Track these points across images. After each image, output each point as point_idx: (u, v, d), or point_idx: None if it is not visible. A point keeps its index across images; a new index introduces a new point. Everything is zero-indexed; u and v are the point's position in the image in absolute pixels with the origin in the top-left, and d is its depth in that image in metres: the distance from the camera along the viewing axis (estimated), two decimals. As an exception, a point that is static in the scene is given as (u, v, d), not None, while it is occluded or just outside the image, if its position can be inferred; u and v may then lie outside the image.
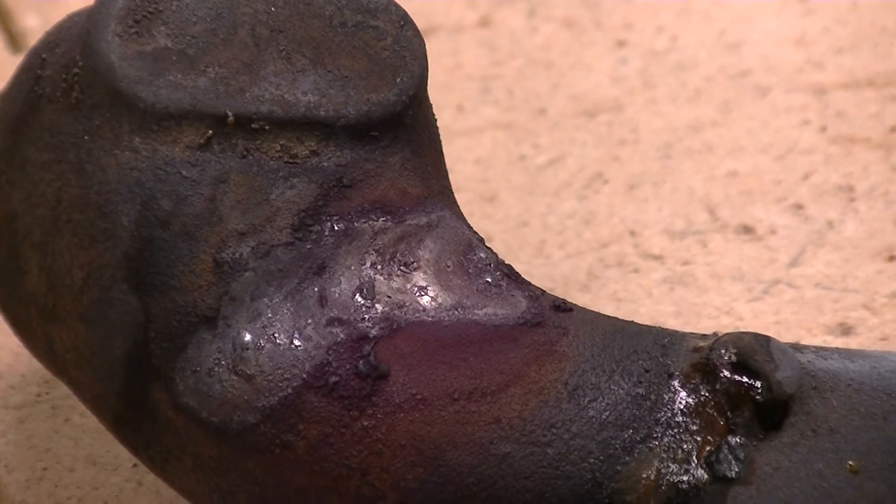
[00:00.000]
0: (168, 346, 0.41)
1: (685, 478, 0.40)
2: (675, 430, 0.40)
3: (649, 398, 0.41)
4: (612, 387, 0.41)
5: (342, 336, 0.40)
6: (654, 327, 0.43)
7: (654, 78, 0.73)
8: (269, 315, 0.41)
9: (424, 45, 0.45)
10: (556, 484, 0.40)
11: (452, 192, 0.46)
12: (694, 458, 0.40)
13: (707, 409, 0.40)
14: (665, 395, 0.41)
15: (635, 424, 0.40)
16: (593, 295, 0.59)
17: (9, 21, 0.80)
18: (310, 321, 0.41)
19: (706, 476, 0.40)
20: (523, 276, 0.44)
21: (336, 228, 0.42)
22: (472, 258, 0.43)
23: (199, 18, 0.42)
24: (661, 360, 0.42)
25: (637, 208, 0.64)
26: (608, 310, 0.54)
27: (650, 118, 0.70)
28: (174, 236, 0.41)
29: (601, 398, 0.40)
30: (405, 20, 0.45)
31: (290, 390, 0.40)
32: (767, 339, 0.42)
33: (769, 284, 0.59)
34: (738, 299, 0.59)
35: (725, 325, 0.57)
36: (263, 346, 0.40)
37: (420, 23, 0.46)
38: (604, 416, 0.40)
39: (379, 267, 0.42)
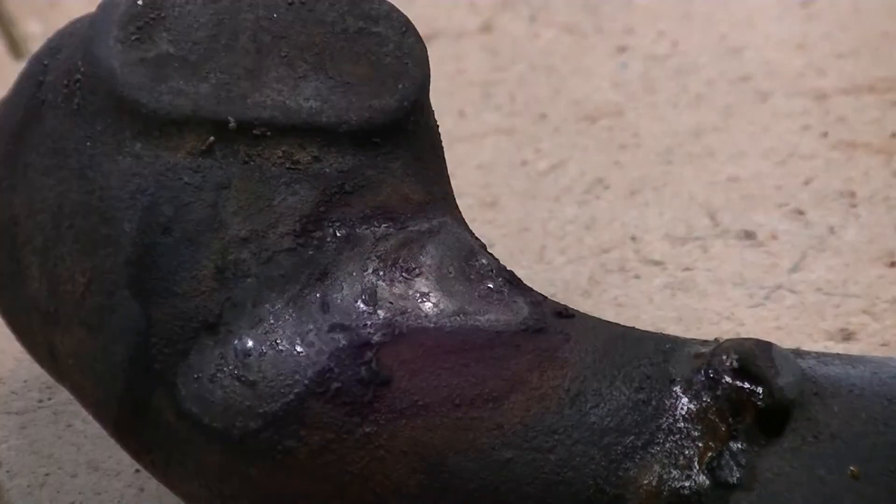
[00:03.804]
0: (170, 351, 0.41)
1: (687, 484, 0.40)
2: (677, 436, 0.40)
3: (651, 404, 0.41)
4: (613, 393, 0.41)
5: (344, 342, 0.40)
6: (655, 333, 0.43)
7: (655, 83, 0.73)
8: (272, 321, 0.41)
9: (426, 51, 0.45)
10: (557, 490, 0.40)
11: (454, 198, 0.46)
12: (695, 463, 0.40)
13: (709, 415, 0.40)
14: (666, 401, 0.41)
15: (637, 430, 0.40)
16: (594, 301, 0.59)
17: (11, 27, 0.80)
18: (312, 327, 0.41)
19: (708, 482, 0.40)
20: (525, 281, 0.44)
21: (338, 234, 0.42)
22: (473, 264, 0.43)
23: (200, 25, 0.42)
24: (662, 366, 0.42)
25: (638, 214, 0.64)
26: (609, 315, 0.54)
27: (651, 123, 0.70)
28: (176, 242, 0.41)
29: (603, 404, 0.40)
30: (407, 26, 0.45)
31: (292, 396, 0.40)
32: (769, 344, 0.42)
33: (770, 290, 0.59)
34: (740, 305, 0.59)
35: (727, 330, 0.57)
36: (265, 353, 0.40)
37: (422, 29, 0.46)
38: (605, 422, 0.40)
39: (381, 273, 0.42)
